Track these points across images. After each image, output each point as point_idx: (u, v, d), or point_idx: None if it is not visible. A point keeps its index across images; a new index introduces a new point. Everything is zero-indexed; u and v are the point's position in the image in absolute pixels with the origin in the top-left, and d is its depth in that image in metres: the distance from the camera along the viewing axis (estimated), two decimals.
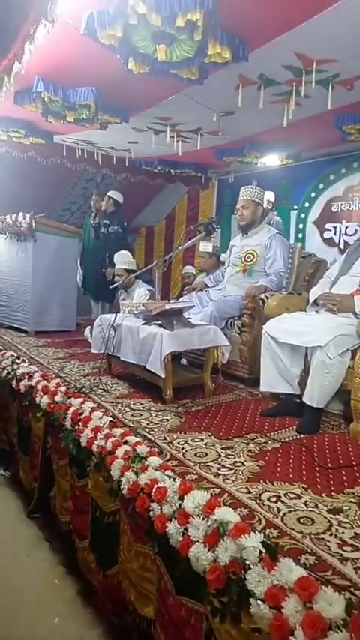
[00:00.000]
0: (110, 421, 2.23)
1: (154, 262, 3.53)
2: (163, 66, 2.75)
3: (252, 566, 1.25)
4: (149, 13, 2.29)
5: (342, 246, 4.87)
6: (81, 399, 2.59)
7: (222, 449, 2.20)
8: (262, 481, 1.88)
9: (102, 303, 5.92)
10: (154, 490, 1.64)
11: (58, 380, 3.00)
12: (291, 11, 2.37)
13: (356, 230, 4.61)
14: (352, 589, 1.26)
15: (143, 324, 3.09)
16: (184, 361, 3.71)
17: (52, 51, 2.81)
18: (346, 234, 4.91)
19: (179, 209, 7.24)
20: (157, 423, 2.55)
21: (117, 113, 3.83)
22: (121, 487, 1.80)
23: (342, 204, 4.96)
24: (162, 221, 7.53)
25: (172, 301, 3.75)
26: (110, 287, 4.27)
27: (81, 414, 2.37)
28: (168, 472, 1.77)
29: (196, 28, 2.40)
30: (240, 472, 1.96)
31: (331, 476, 1.93)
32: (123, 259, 4.57)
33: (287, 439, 2.34)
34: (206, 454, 2.14)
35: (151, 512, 1.62)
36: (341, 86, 3.18)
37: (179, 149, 4.70)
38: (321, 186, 5.17)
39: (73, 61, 3.06)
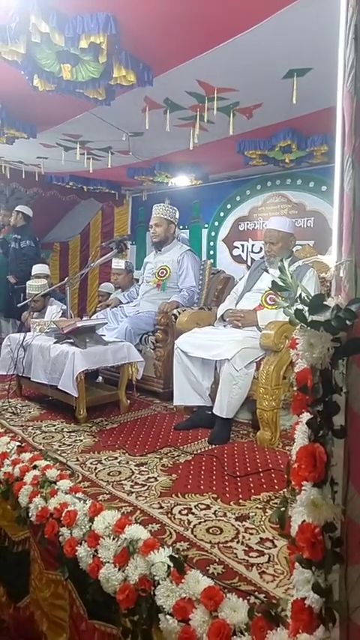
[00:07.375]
0: (18, 446, 2.15)
1: (65, 280, 3.47)
2: (69, 85, 2.75)
3: (161, 582, 1.26)
4: (52, 33, 2.29)
5: (249, 263, 5.13)
6: None
7: (135, 466, 2.21)
8: (173, 495, 1.91)
9: (13, 320, 5.67)
10: (63, 514, 1.61)
11: None
12: (189, 43, 2.48)
13: (261, 248, 4.89)
14: (256, 593, 1.32)
15: (55, 343, 3.02)
16: (100, 379, 3.67)
17: None
18: (252, 251, 5.20)
19: (94, 225, 7.18)
20: (69, 444, 2.49)
21: (24, 128, 3.74)
22: (30, 514, 1.74)
23: (248, 224, 5.25)
24: (77, 236, 7.41)
25: (84, 319, 3.70)
26: (18, 305, 4.10)
27: None
28: (79, 494, 1.75)
29: (101, 51, 2.43)
30: (153, 488, 1.97)
31: (239, 484, 2.01)
32: (35, 284, 4.11)
33: (199, 451, 2.40)
34: (119, 472, 2.14)
35: (60, 537, 1.58)
36: (241, 114, 3.38)
37: (90, 166, 4.69)
38: (228, 206, 5.43)
39: None
